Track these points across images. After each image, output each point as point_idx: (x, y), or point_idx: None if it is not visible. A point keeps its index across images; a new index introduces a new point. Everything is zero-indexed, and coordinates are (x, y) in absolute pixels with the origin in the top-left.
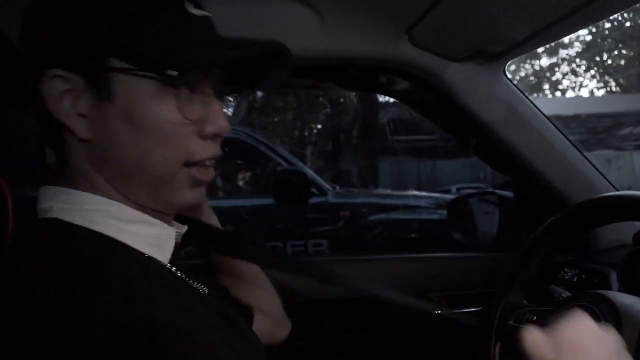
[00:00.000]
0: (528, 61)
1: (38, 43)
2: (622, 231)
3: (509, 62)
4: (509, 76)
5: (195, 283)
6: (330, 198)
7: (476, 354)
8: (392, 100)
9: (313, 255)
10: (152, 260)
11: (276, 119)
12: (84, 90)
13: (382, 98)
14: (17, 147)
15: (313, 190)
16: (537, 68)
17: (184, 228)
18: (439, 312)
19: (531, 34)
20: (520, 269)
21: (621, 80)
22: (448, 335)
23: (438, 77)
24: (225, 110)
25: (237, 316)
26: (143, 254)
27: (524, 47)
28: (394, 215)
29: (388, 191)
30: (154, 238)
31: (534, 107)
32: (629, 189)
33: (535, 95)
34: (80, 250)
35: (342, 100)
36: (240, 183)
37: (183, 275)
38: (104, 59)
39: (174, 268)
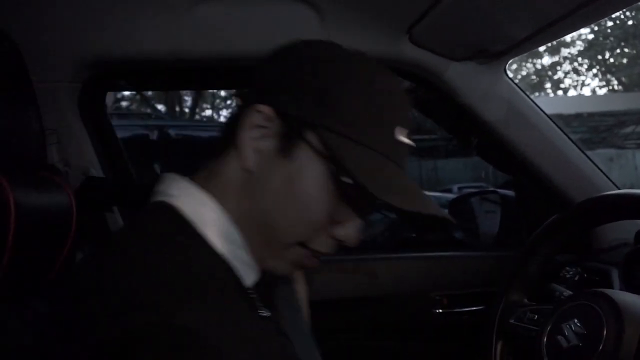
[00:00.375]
0: (530, 60)
1: (265, 80)
2: (623, 230)
3: (510, 61)
4: (510, 75)
5: (261, 305)
6: None
7: (478, 353)
8: None
9: None
10: (232, 274)
11: None
12: (274, 136)
13: None
14: (19, 146)
15: None
16: (539, 67)
17: None
18: (440, 311)
19: (532, 33)
20: (522, 267)
21: (623, 79)
22: (449, 334)
23: (439, 76)
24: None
25: (288, 342)
26: (231, 270)
27: (525, 46)
28: (395, 215)
29: None
30: (244, 260)
31: (535, 106)
32: (631, 187)
33: (537, 94)
34: (175, 241)
35: None
36: None
37: (257, 302)
38: (307, 130)
39: (250, 291)
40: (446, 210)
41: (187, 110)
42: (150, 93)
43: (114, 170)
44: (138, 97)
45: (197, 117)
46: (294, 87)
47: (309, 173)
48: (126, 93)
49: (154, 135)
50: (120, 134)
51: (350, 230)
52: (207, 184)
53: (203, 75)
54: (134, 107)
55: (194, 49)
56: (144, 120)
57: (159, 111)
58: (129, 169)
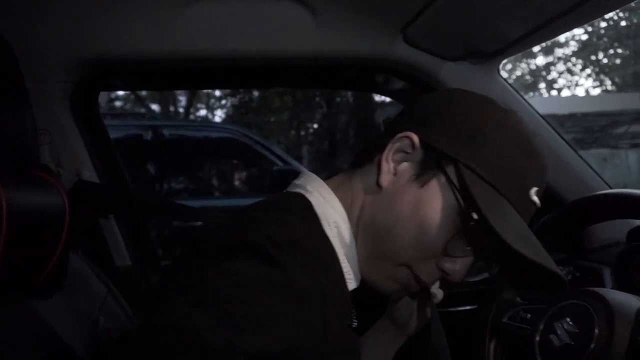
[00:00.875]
0: (524, 60)
1: (418, 112)
2: (615, 229)
3: (503, 61)
4: (504, 75)
5: (353, 313)
6: None
7: (471, 352)
8: (388, 99)
9: None
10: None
11: (272, 119)
12: (414, 163)
13: (378, 97)
14: (11, 146)
15: None
16: (533, 67)
17: None
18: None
19: (525, 33)
20: None
21: (617, 79)
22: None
23: (433, 76)
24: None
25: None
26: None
27: (518, 46)
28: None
29: None
30: (352, 262)
31: (529, 106)
32: (625, 187)
33: (531, 94)
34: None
35: (338, 99)
36: (237, 183)
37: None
38: (448, 164)
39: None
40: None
41: (181, 110)
42: (144, 93)
43: (107, 172)
44: (132, 97)
45: (191, 117)
46: (445, 122)
47: (437, 201)
48: (120, 93)
49: (148, 136)
50: (113, 134)
51: (458, 266)
52: (338, 190)
53: (197, 74)
54: (127, 107)
55: (188, 49)
56: (137, 120)
57: (153, 111)
58: (123, 171)
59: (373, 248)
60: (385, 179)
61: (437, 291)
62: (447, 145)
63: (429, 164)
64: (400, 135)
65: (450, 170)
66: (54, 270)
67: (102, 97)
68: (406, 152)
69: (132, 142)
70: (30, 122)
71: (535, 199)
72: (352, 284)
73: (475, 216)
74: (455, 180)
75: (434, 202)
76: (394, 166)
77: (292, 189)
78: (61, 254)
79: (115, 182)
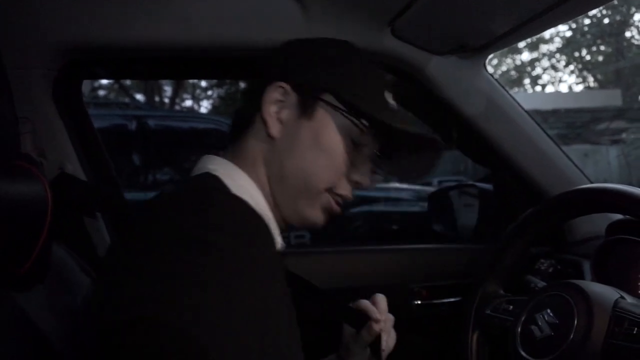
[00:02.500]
0: (510, 56)
1: (278, 63)
2: (595, 223)
3: (490, 56)
4: (491, 70)
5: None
6: None
7: (454, 343)
8: None
9: (295, 247)
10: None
11: None
12: (293, 106)
13: None
14: None
15: None
16: (519, 63)
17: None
18: (419, 302)
19: (512, 28)
20: (498, 259)
21: (599, 76)
22: (428, 325)
23: (420, 70)
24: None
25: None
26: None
27: (505, 40)
28: (376, 207)
29: None
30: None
31: (514, 101)
32: (605, 182)
33: (516, 89)
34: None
35: None
36: None
37: None
38: (323, 92)
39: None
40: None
41: (166, 100)
42: (128, 82)
43: (91, 164)
44: (116, 86)
45: (177, 107)
46: (306, 63)
47: (330, 127)
48: (103, 82)
49: (132, 126)
50: (97, 124)
51: (364, 174)
52: (235, 159)
53: (184, 64)
54: (111, 96)
55: (174, 38)
56: (122, 110)
57: (138, 101)
58: (109, 163)
59: (293, 189)
60: (275, 128)
61: (390, 338)
62: (313, 80)
63: (306, 100)
64: (270, 87)
65: (327, 96)
66: (37, 262)
67: (85, 86)
68: (281, 101)
69: (116, 132)
70: (9, 110)
71: (391, 101)
72: (278, 240)
73: (364, 122)
74: (334, 102)
75: (327, 127)
76: (276, 116)
77: (196, 172)
78: (44, 245)
79: (101, 175)
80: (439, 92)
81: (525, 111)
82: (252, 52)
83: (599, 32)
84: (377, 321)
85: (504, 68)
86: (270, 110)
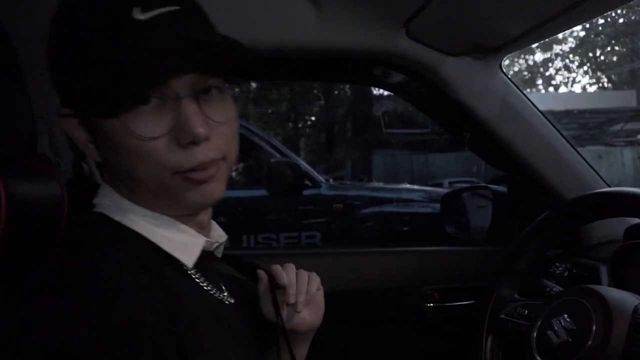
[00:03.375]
0: (522, 56)
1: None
2: (612, 227)
3: (504, 58)
4: (505, 72)
5: (218, 292)
6: (324, 190)
7: (468, 347)
8: (386, 92)
9: (306, 247)
10: (174, 261)
11: (270, 111)
12: (84, 123)
13: (376, 91)
14: (8, 134)
15: (306, 182)
16: (531, 63)
17: (224, 238)
18: (432, 305)
19: (528, 29)
20: (513, 263)
21: (613, 77)
22: (440, 328)
23: (435, 71)
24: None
25: (257, 332)
26: (169, 254)
27: (521, 42)
28: (387, 208)
29: (381, 184)
30: (180, 243)
31: (529, 102)
32: (619, 184)
33: (528, 90)
34: (109, 242)
35: (336, 92)
36: (233, 174)
37: (204, 283)
38: (65, 107)
39: (197, 274)
40: None
41: None
42: None
43: None
44: None
45: None
46: (61, 75)
47: (109, 128)
48: None
49: None
50: None
51: (186, 126)
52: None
53: None
54: None
55: None
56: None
57: None
58: None
59: (149, 199)
60: (94, 155)
61: (306, 312)
62: (66, 105)
63: (85, 116)
64: (59, 112)
65: (66, 111)
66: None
67: None
68: (76, 119)
69: None
70: (27, 110)
71: (140, 16)
72: (190, 255)
73: (95, 113)
74: (72, 113)
75: (107, 135)
76: (86, 141)
77: (94, 207)
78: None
79: None
80: (453, 93)
81: (541, 112)
82: (265, 53)
83: (613, 32)
84: (281, 286)
85: (516, 68)
86: (79, 138)
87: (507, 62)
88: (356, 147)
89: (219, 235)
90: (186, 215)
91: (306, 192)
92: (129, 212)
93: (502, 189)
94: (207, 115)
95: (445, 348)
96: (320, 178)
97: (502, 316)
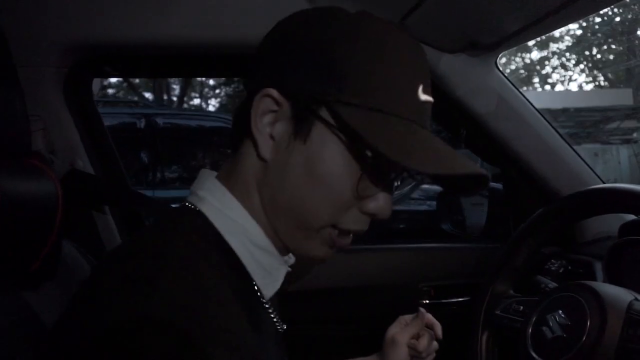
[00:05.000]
0: (519, 54)
1: (268, 61)
2: (607, 223)
3: (500, 55)
4: (501, 69)
5: (277, 320)
6: None
7: (464, 343)
8: None
9: None
10: (252, 289)
11: None
12: (287, 119)
13: None
14: (2, 132)
15: None
16: (528, 61)
17: (292, 260)
18: (428, 301)
19: (523, 26)
20: (508, 260)
21: (609, 75)
22: None
23: (431, 67)
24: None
25: None
26: (252, 282)
27: (517, 38)
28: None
29: None
30: (267, 270)
31: (525, 100)
32: (615, 182)
33: (525, 88)
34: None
35: None
36: None
37: (273, 314)
38: (320, 106)
39: (268, 303)
40: (480, 169)
41: (175, 98)
42: (137, 81)
43: (101, 161)
44: (125, 84)
45: (185, 105)
46: (296, 61)
47: (327, 152)
48: (112, 80)
49: (141, 124)
50: (106, 122)
51: (381, 202)
52: (229, 181)
53: (192, 62)
54: (120, 94)
55: (183, 35)
56: (130, 109)
57: (147, 99)
58: (118, 160)
59: (289, 222)
60: (265, 150)
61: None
62: (310, 87)
63: (302, 114)
64: (258, 95)
65: (325, 112)
66: (47, 259)
67: (95, 84)
68: (273, 111)
69: (125, 130)
70: (21, 108)
71: (425, 96)
72: (270, 288)
73: (369, 153)
74: (332, 121)
75: (324, 154)
76: (268, 132)
77: (189, 197)
78: (54, 243)
79: (110, 172)
80: (449, 90)
81: (537, 110)
82: None
83: (609, 30)
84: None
85: (512, 67)
86: (259, 125)
87: (503, 60)
88: None
89: (290, 257)
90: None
91: None
92: (234, 222)
93: (497, 186)
94: None
95: (441, 344)
96: None
97: (498, 312)
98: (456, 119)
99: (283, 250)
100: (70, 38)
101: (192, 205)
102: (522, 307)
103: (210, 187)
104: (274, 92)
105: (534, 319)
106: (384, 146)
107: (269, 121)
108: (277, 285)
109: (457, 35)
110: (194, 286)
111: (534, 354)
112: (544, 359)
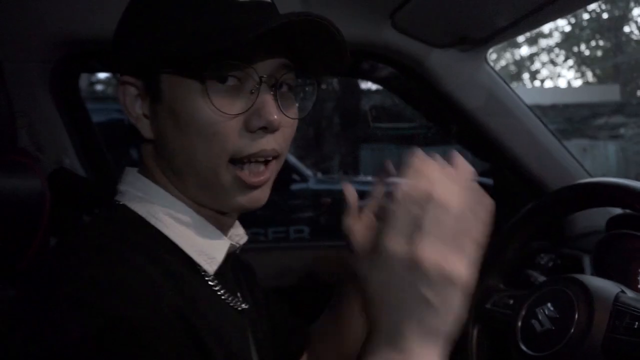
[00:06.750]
0: (509, 50)
1: (117, 54)
2: (595, 217)
3: (490, 50)
4: (491, 64)
5: (233, 298)
6: (312, 184)
7: (454, 337)
8: (374, 87)
9: (294, 242)
10: (194, 265)
11: None
12: (145, 94)
13: (364, 85)
14: None
15: (294, 176)
16: (518, 57)
17: (244, 239)
18: None
19: (513, 21)
20: (499, 254)
21: (598, 71)
22: None
23: (420, 63)
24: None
25: (271, 337)
26: (190, 259)
27: (506, 33)
28: None
29: (369, 178)
30: (204, 248)
31: (515, 95)
32: (604, 177)
33: (515, 84)
34: (131, 245)
35: (323, 86)
36: None
37: (221, 291)
38: (153, 64)
39: (215, 281)
40: None
41: None
42: None
43: (89, 159)
44: (114, 80)
45: None
46: (128, 39)
47: (180, 96)
48: (101, 76)
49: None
50: (94, 118)
51: (263, 111)
52: (147, 171)
53: None
54: (109, 90)
55: None
56: (119, 104)
57: None
58: (106, 158)
59: (195, 182)
60: (145, 130)
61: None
62: (139, 55)
63: (148, 84)
64: (120, 79)
65: (159, 67)
66: (35, 257)
67: (82, 80)
68: (138, 95)
69: (114, 126)
70: (6, 104)
71: None
72: (212, 264)
73: (205, 73)
74: (170, 78)
75: (178, 100)
76: (141, 113)
77: (118, 195)
78: (42, 240)
79: (99, 171)
80: (439, 85)
81: (527, 105)
82: None
83: (597, 27)
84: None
85: (502, 62)
86: (132, 112)
87: (494, 56)
88: (344, 141)
89: (238, 235)
90: (221, 213)
91: (294, 187)
92: (158, 206)
93: (488, 181)
94: (281, 108)
95: None
96: (308, 172)
97: (488, 306)
98: (446, 114)
99: (223, 221)
100: (55, 32)
101: (117, 201)
102: (512, 301)
103: (131, 180)
104: (128, 78)
105: (523, 312)
106: (187, 47)
107: (133, 104)
108: (219, 260)
109: (447, 30)
110: (113, 270)
111: (524, 347)
112: (533, 352)
